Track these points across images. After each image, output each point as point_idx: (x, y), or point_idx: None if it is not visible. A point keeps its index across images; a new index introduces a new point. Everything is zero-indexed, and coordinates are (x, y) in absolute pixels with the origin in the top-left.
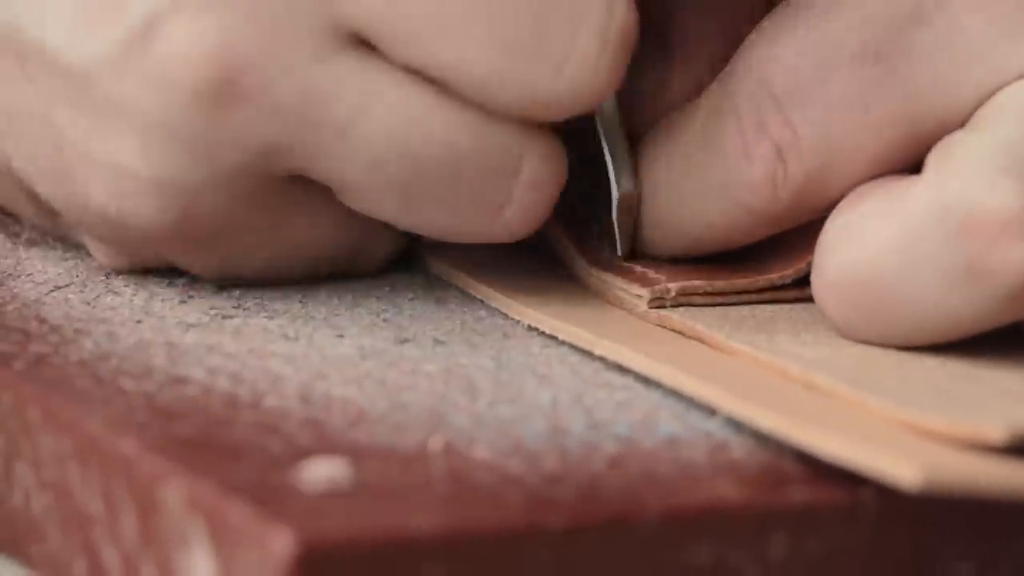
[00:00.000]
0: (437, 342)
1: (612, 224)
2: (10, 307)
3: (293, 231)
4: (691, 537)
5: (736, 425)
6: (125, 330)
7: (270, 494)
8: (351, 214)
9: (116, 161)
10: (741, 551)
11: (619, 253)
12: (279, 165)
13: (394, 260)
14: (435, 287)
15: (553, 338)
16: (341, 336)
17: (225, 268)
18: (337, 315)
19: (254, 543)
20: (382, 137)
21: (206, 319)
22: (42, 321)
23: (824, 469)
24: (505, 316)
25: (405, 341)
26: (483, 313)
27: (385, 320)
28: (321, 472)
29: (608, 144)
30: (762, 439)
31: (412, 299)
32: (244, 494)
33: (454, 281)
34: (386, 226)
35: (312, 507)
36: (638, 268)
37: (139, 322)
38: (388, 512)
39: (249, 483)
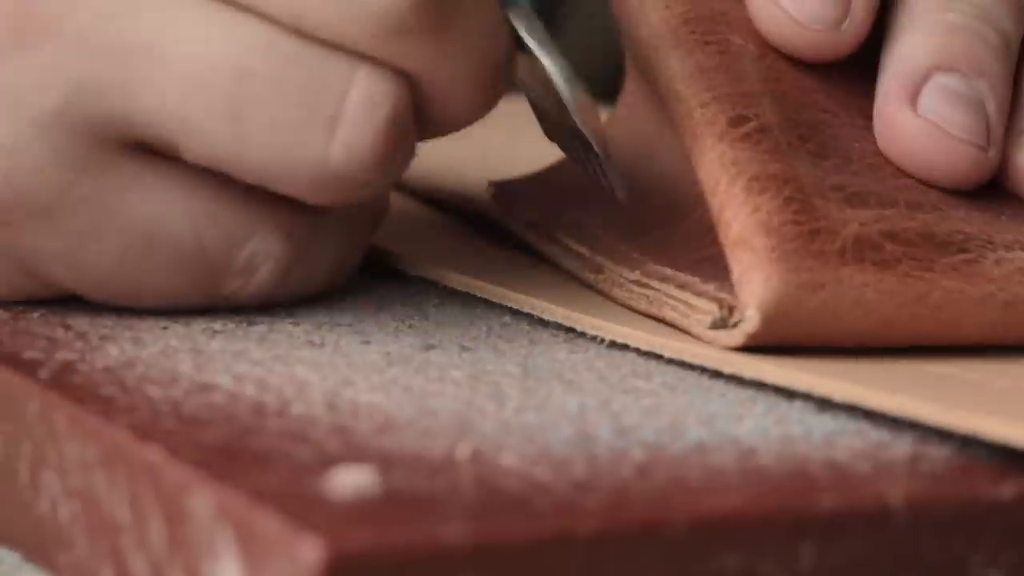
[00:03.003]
0: (463, 348)
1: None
2: (35, 314)
3: (138, 208)
4: (719, 545)
5: (763, 431)
6: (151, 336)
7: (298, 502)
8: (216, 200)
9: None
10: (769, 559)
11: (599, 154)
12: (97, 110)
13: (349, 276)
14: (460, 292)
15: (580, 344)
16: (367, 342)
17: (77, 260)
18: (362, 321)
19: (282, 551)
20: (192, 54)
21: (232, 325)
22: (68, 328)
23: (852, 476)
24: (531, 322)
25: (431, 347)
26: (509, 319)
27: (410, 326)
28: (349, 480)
29: (542, 51)
30: (790, 445)
31: (438, 305)
32: (272, 502)
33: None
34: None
35: (340, 515)
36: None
37: (165, 328)
38: (416, 520)
39: (277, 491)
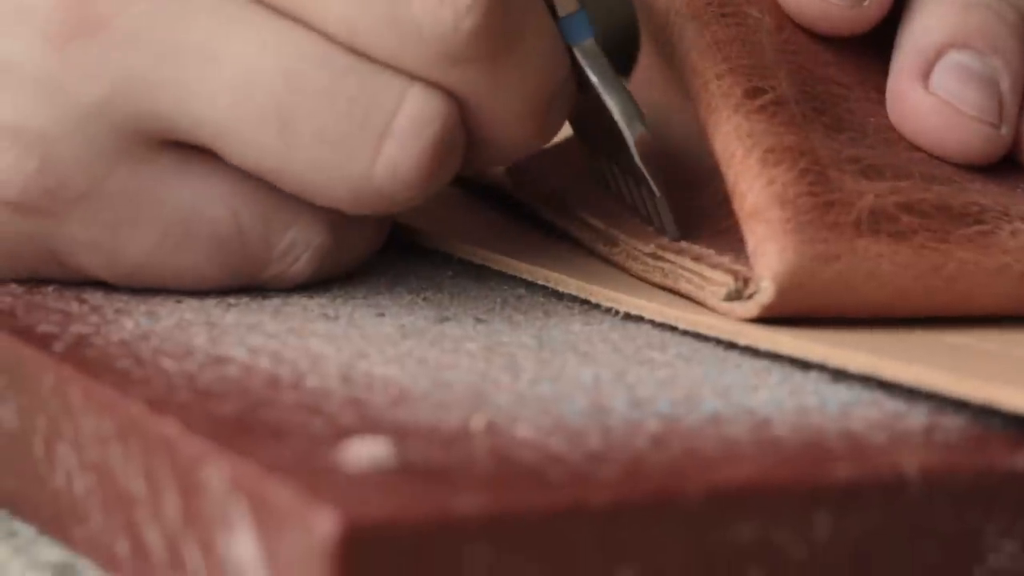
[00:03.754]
0: (478, 320)
1: (643, 174)
2: (50, 288)
3: (176, 198)
4: (734, 515)
5: (778, 402)
6: (165, 310)
7: (313, 474)
8: (255, 189)
9: None
10: (784, 529)
11: (656, 193)
12: (141, 106)
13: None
14: (475, 265)
15: (594, 316)
16: (381, 315)
17: (112, 248)
18: (377, 294)
19: (297, 524)
20: (245, 58)
21: (246, 298)
22: (82, 302)
23: (867, 446)
24: (546, 294)
25: (446, 320)
26: (523, 291)
27: (425, 299)
28: (364, 452)
29: (605, 89)
30: (805, 416)
31: (452, 277)
32: (287, 475)
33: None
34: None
35: (355, 487)
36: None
37: (179, 302)
38: (431, 492)
39: (292, 463)
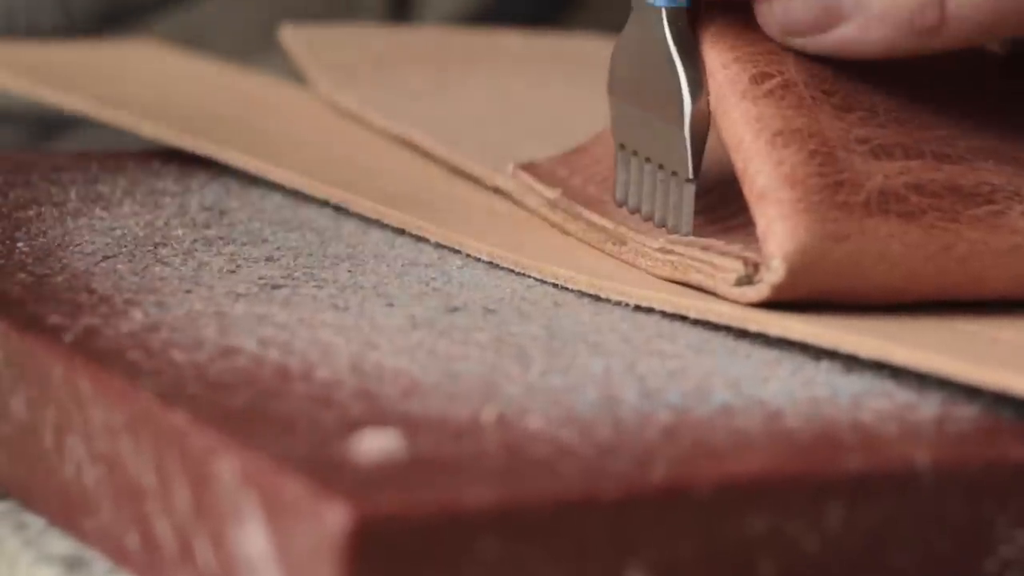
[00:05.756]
0: (487, 311)
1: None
2: (59, 278)
3: None
4: (746, 507)
5: (790, 393)
6: (175, 300)
7: (324, 467)
8: None
9: None
10: (797, 520)
11: (688, 175)
12: None
13: None
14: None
15: (604, 306)
16: (391, 305)
17: None
18: (386, 284)
19: (308, 516)
20: None
21: (255, 289)
22: (91, 292)
23: (879, 437)
24: (555, 284)
25: (455, 310)
26: (532, 281)
27: (434, 289)
28: (374, 444)
29: (679, 55)
30: (816, 407)
31: (461, 267)
32: (298, 467)
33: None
34: None
35: (366, 479)
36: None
37: (188, 292)
38: (442, 484)
39: (302, 456)
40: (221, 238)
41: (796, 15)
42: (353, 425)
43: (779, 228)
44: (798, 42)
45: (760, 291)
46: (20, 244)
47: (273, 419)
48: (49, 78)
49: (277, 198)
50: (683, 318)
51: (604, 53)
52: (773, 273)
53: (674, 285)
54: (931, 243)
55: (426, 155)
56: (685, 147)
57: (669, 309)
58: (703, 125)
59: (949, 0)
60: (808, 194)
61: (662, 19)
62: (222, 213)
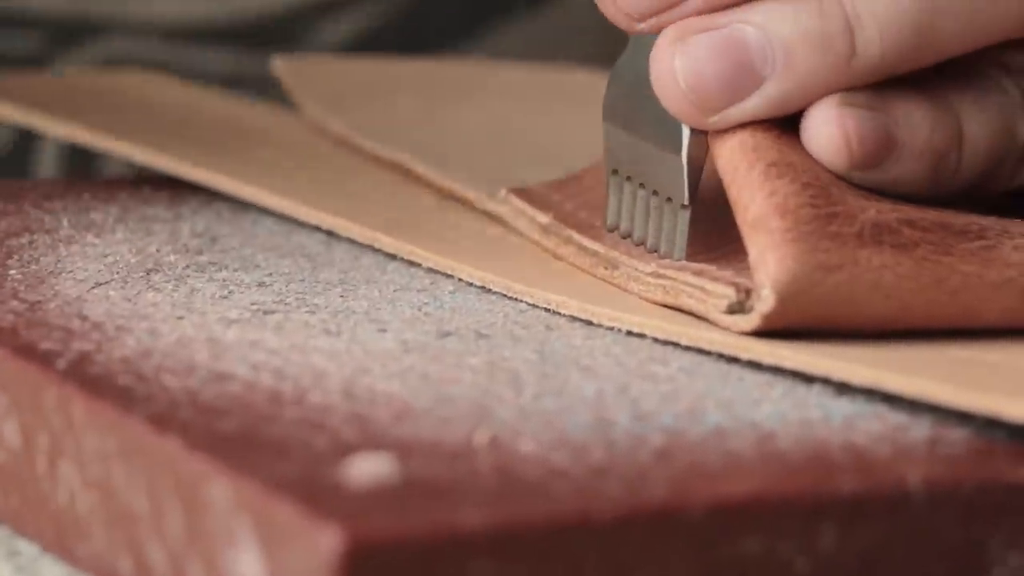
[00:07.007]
0: (480, 335)
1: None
2: (52, 304)
3: None
4: (739, 528)
5: (782, 415)
6: (167, 326)
7: (317, 491)
8: None
9: None
10: (790, 542)
11: (684, 201)
12: None
13: None
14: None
15: (597, 330)
16: (383, 330)
17: None
18: (378, 309)
19: (301, 540)
20: None
21: (247, 315)
22: (84, 319)
23: (871, 459)
24: (547, 308)
25: (447, 334)
26: (524, 305)
27: (426, 314)
28: (367, 468)
29: None
30: (809, 429)
31: (453, 292)
32: (290, 491)
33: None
34: None
35: (359, 503)
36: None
37: (180, 318)
38: (435, 507)
39: (295, 480)
40: (213, 264)
41: (710, 91)
42: (346, 449)
43: (770, 258)
44: (714, 120)
45: (751, 320)
46: (12, 271)
47: (266, 444)
48: (42, 106)
49: (269, 224)
50: (676, 342)
51: (598, 85)
52: (764, 303)
53: (666, 310)
54: (924, 275)
55: (417, 180)
56: (682, 173)
57: (661, 336)
58: (700, 152)
59: (858, 31)
60: (799, 224)
61: None
62: (214, 239)
